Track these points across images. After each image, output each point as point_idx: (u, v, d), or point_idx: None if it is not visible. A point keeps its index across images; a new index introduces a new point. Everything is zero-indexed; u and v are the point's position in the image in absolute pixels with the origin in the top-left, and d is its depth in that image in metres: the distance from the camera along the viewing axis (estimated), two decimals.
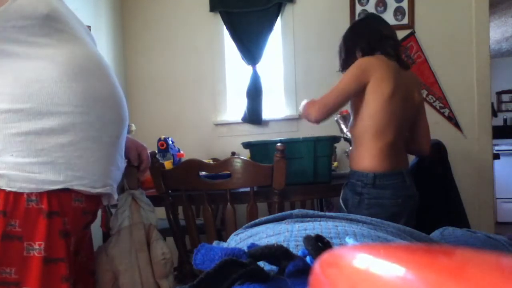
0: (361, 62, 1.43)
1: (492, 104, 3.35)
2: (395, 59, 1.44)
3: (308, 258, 0.48)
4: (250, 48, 2.79)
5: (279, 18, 2.80)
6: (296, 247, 0.58)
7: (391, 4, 2.63)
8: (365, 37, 1.51)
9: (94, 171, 1.00)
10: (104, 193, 1.06)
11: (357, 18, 2.66)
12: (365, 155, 1.41)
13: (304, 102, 1.54)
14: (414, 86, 1.52)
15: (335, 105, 1.42)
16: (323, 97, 1.44)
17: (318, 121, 1.46)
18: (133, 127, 2.16)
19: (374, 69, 1.39)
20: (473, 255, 0.21)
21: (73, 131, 0.95)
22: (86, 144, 0.97)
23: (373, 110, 1.38)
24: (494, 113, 5.00)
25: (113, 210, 1.37)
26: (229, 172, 1.43)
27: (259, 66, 2.80)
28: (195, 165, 1.46)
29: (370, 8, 2.67)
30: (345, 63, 1.57)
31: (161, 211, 1.63)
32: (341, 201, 1.51)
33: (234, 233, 0.76)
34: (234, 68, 2.93)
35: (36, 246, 0.91)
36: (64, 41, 0.97)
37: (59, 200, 0.95)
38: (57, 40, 0.96)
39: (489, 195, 2.54)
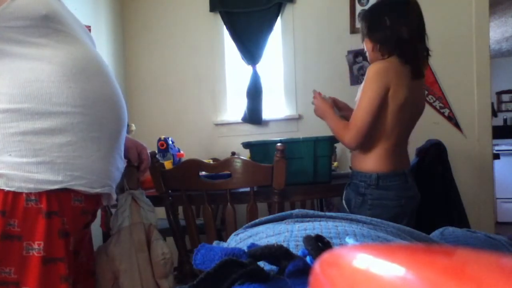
0: (378, 73, 1.32)
1: (492, 104, 3.35)
2: (411, 65, 1.35)
3: (308, 258, 0.48)
4: (250, 48, 2.79)
5: (279, 18, 2.80)
6: (296, 247, 0.58)
7: None
8: (405, 27, 1.33)
9: (93, 171, 1.00)
10: (103, 193, 1.06)
11: (357, 18, 2.66)
12: (369, 156, 1.40)
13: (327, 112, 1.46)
14: (422, 92, 1.49)
15: (368, 126, 1.33)
16: (353, 122, 1.35)
17: (357, 148, 1.40)
18: (133, 127, 2.16)
19: (392, 77, 1.32)
20: (473, 255, 0.21)
21: (71, 131, 0.95)
22: (85, 144, 0.97)
23: (383, 115, 1.35)
24: (494, 113, 5.00)
25: (113, 210, 1.37)
26: (229, 172, 1.43)
27: (259, 66, 2.80)
28: (195, 165, 1.46)
29: None
30: (371, 32, 1.41)
31: (161, 211, 1.63)
32: (343, 201, 1.50)
33: (234, 233, 0.76)
34: (234, 68, 2.93)
35: (36, 246, 0.91)
36: (63, 41, 0.97)
37: (58, 200, 0.95)
38: (56, 41, 0.96)
39: (489, 195, 2.54)
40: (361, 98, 1.35)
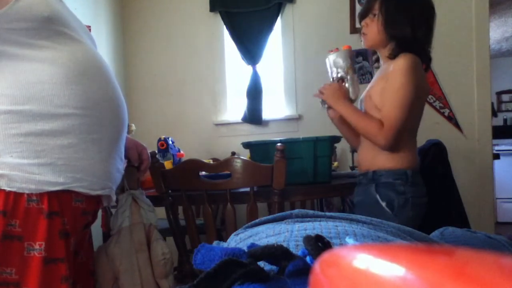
0: (414, 66, 1.24)
1: (492, 104, 3.35)
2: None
3: (308, 258, 0.48)
4: (250, 48, 2.79)
5: (279, 18, 2.80)
6: (296, 247, 0.58)
7: None
8: (426, 27, 1.28)
9: (94, 173, 1.00)
10: (103, 194, 1.06)
11: (357, 18, 2.66)
12: (398, 152, 1.33)
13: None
14: None
15: (405, 123, 1.25)
16: (390, 121, 1.25)
17: (391, 149, 1.31)
18: (133, 127, 2.16)
19: (422, 69, 1.27)
20: (473, 255, 0.21)
21: (73, 133, 0.95)
22: (86, 146, 0.97)
23: (412, 109, 1.28)
24: (494, 113, 5.00)
25: (113, 210, 1.37)
26: (229, 172, 1.43)
27: (259, 66, 2.80)
28: (195, 165, 1.46)
29: None
30: (389, 26, 1.29)
31: (161, 211, 1.62)
32: (383, 203, 1.35)
33: (234, 233, 0.76)
34: (234, 68, 2.93)
35: (37, 246, 0.91)
36: (65, 43, 0.97)
37: (59, 200, 0.95)
38: (58, 43, 0.96)
39: (489, 195, 2.54)
40: (395, 92, 1.24)
